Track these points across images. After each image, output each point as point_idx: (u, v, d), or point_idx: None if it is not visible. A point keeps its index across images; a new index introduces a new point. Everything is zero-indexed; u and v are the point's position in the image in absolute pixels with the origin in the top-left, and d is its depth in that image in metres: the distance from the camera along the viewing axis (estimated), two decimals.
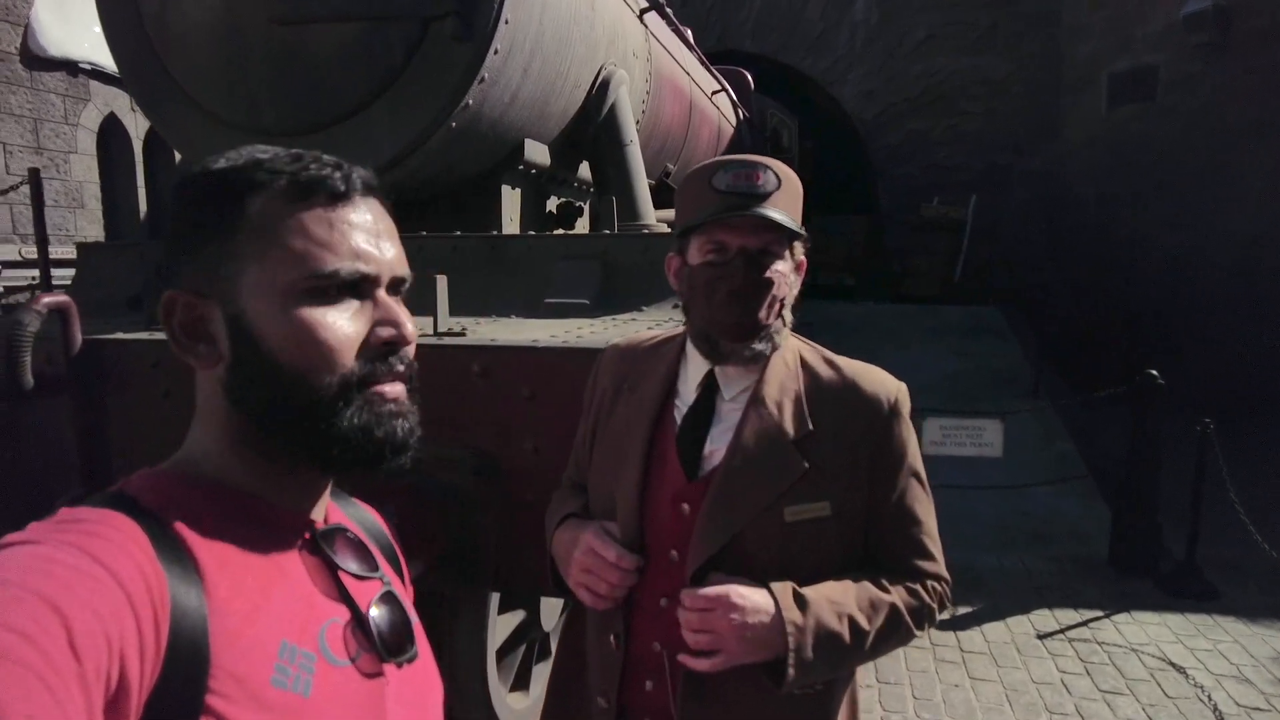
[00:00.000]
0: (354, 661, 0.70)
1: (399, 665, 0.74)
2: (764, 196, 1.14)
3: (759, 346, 1.19)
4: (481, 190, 3.19)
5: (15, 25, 9.43)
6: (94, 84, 9.68)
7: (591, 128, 3.54)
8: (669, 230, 3.47)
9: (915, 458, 1.25)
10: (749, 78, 9.18)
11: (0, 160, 9.19)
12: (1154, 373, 4.59)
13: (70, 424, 2.05)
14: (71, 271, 3.12)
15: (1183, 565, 4.43)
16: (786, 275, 1.19)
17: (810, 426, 1.19)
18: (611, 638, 1.25)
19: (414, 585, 1.74)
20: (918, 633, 1.22)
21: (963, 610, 4.15)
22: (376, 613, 0.73)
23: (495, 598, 2.28)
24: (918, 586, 1.21)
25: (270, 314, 0.67)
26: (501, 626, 2.41)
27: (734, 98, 7.67)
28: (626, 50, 3.84)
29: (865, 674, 3.47)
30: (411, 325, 0.73)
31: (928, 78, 12.75)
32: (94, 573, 0.55)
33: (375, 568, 0.78)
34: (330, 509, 0.80)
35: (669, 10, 5.11)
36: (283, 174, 0.68)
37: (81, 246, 3.19)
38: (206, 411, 0.72)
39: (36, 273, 3.34)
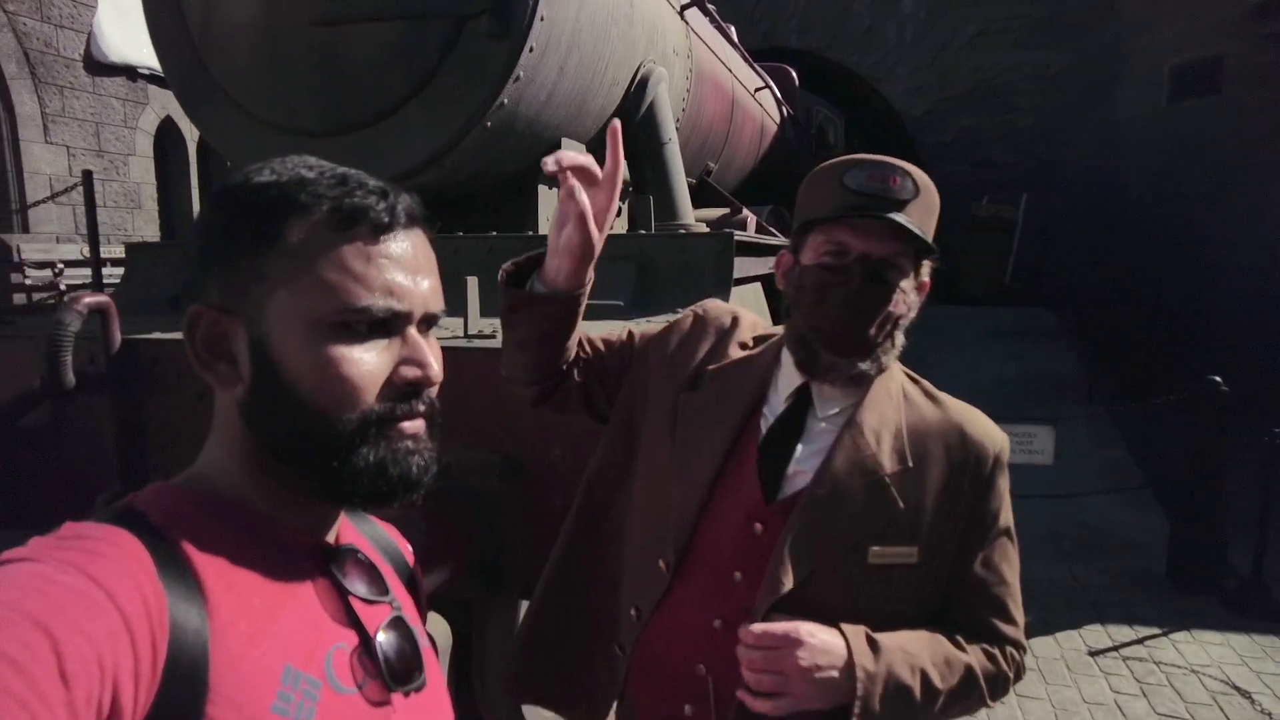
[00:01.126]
0: (360, 689, 0.68)
1: (406, 694, 0.72)
2: (898, 203, 1.05)
3: (863, 366, 1.11)
4: (518, 190, 3.17)
5: (80, 33, 9.79)
6: (152, 88, 10.01)
7: (630, 126, 3.50)
8: (707, 230, 3.42)
9: (1009, 514, 1.17)
10: (793, 74, 9.05)
11: (64, 162, 9.55)
12: (1217, 378, 4.38)
13: (110, 422, 2.08)
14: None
15: (1248, 582, 4.21)
16: (907, 293, 1.10)
17: (910, 464, 1.11)
18: (661, 562, 1.17)
19: (440, 591, 1.74)
20: (989, 700, 1.13)
21: None
22: (384, 639, 0.71)
23: (525, 603, 2.25)
24: (996, 651, 1.13)
25: (295, 343, 0.65)
26: None
27: (778, 95, 7.56)
28: (666, 47, 3.79)
29: None
30: (438, 365, 0.71)
31: (979, 73, 12.43)
32: (90, 594, 0.53)
33: (385, 591, 0.76)
34: (344, 527, 0.78)
35: (711, 7, 5.05)
36: (325, 199, 0.66)
37: (130, 246, 3.26)
38: (222, 429, 0.70)
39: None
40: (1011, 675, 1.15)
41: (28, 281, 7.33)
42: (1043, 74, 12.02)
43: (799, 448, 1.14)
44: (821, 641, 1.03)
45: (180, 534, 0.62)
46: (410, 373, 0.69)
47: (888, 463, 1.10)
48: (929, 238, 1.08)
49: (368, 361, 0.67)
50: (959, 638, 1.12)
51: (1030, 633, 3.92)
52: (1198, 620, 4.06)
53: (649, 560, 1.20)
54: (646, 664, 1.21)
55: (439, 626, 1.91)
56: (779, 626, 1.03)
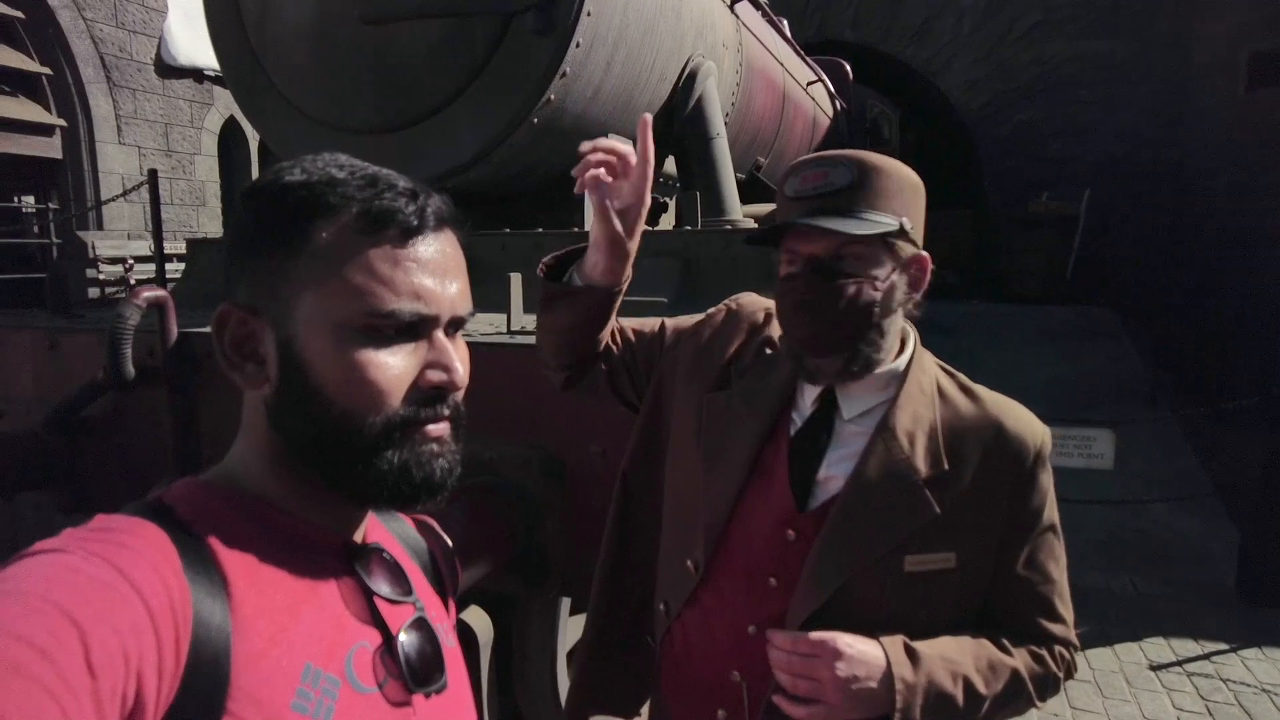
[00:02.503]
0: (381, 689, 0.68)
1: (427, 695, 0.71)
2: (833, 195, 1.04)
3: (843, 360, 1.07)
4: (565, 187, 3.16)
5: (151, 38, 10.17)
6: (217, 89, 10.35)
7: (678, 121, 3.47)
8: (755, 225, 3.38)
9: (1054, 510, 1.12)
10: (847, 68, 8.89)
11: (136, 161, 9.94)
12: None
13: (166, 413, 2.15)
14: None
15: None
16: (880, 278, 1.05)
17: (945, 466, 1.06)
18: (689, 563, 1.17)
19: (481, 585, 1.74)
20: (1039, 701, 1.10)
21: None
22: (406, 639, 0.71)
23: (567, 600, 2.25)
24: (1043, 652, 1.10)
25: (321, 346, 0.65)
26: (573, 629, 2.39)
27: (831, 88, 7.43)
28: (715, 41, 3.76)
29: None
30: (463, 369, 0.70)
31: (1040, 65, 12.04)
32: (117, 586, 0.53)
33: (409, 591, 0.76)
34: (372, 524, 0.78)
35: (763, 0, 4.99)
36: (354, 201, 0.66)
37: (190, 242, 3.37)
38: (249, 427, 0.71)
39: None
40: (1061, 675, 1.12)
41: (101, 276, 7.65)
42: (1107, 64, 11.58)
43: (829, 452, 1.11)
44: (859, 652, 1.00)
45: (206, 529, 0.63)
46: (436, 377, 0.68)
47: (922, 466, 1.06)
48: (890, 219, 1.03)
49: (393, 365, 0.66)
50: (1004, 640, 1.09)
51: (1087, 643, 3.78)
52: (1269, 636, 3.86)
53: (678, 559, 1.19)
54: (679, 667, 1.20)
55: (481, 621, 1.92)
56: (816, 635, 1.01)
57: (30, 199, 9.80)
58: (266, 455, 0.69)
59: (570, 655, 2.38)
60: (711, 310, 1.32)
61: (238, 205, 0.69)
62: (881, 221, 1.03)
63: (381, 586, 0.72)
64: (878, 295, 1.05)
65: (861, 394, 1.12)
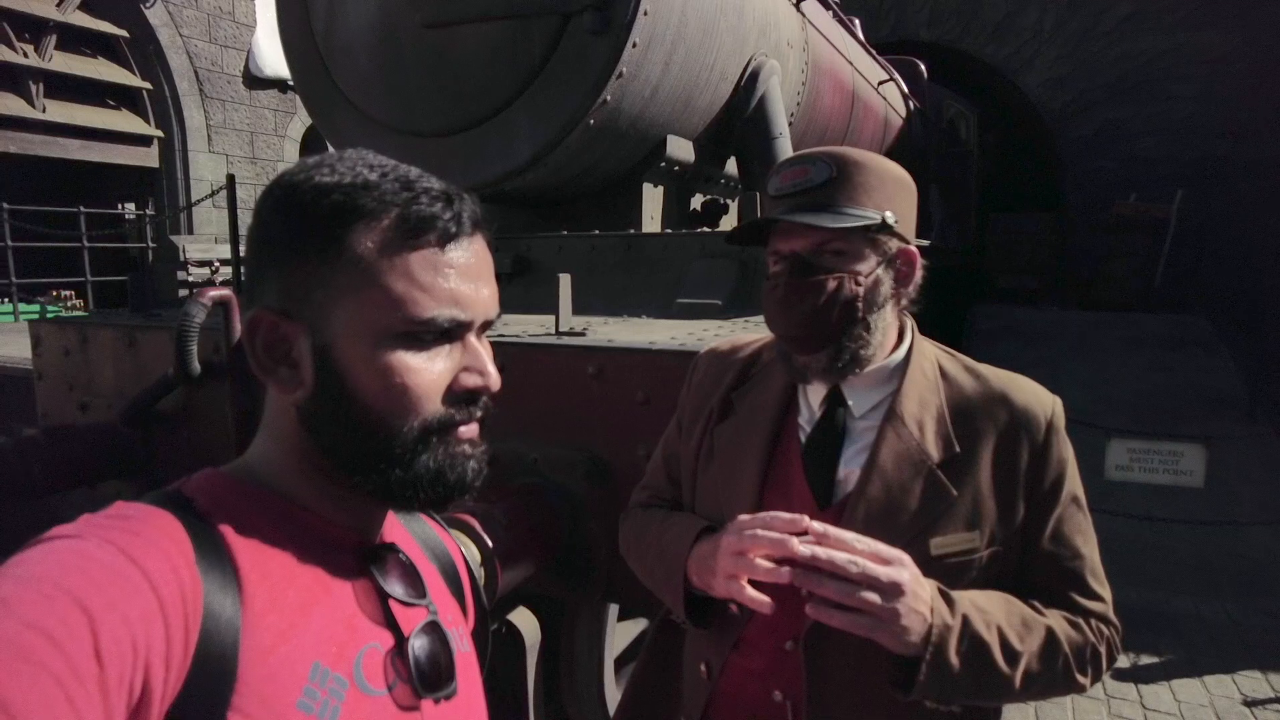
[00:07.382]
0: (389, 692, 0.66)
1: (436, 701, 0.70)
2: (813, 190, 1.05)
3: (829, 356, 1.07)
4: (623, 188, 3.16)
5: (241, 51, 10.67)
6: (299, 98, 10.78)
7: (739, 121, 3.42)
8: None
9: (1074, 480, 1.09)
10: (921, 67, 8.65)
11: (224, 169, 10.47)
12: None
13: (229, 408, 2.22)
14: None
15: None
16: (863, 272, 1.06)
17: (957, 448, 1.06)
18: (703, 666, 1.16)
19: (524, 587, 1.73)
20: (1080, 678, 1.04)
21: (1147, 659, 3.63)
22: (416, 643, 0.70)
23: (614, 606, 2.23)
24: (1080, 620, 1.05)
25: (360, 352, 0.65)
26: (621, 634, 2.36)
27: (904, 89, 7.23)
28: (780, 40, 3.69)
29: None
30: (496, 373, 0.71)
31: (1129, 60, 11.45)
32: (128, 574, 0.54)
33: (423, 593, 0.74)
34: (390, 523, 0.77)
35: None
36: (391, 206, 0.66)
37: None
38: (275, 426, 0.70)
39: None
40: (1104, 651, 1.06)
41: (190, 278, 8.07)
42: (1207, 56, 10.92)
43: (845, 449, 1.11)
44: (916, 578, 0.95)
45: (223, 522, 0.63)
46: (471, 380, 0.69)
47: (934, 450, 1.06)
48: (870, 213, 1.04)
49: (431, 370, 0.67)
50: (1036, 604, 1.05)
51: (1172, 672, 3.54)
52: None
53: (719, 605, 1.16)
54: (722, 697, 1.17)
55: (529, 623, 1.91)
56: (887, 549, 0.95)
57: (131, 205, 10.41)
58: (294, 454, 0.69)
59: (620, 661, 2.36)
60: (689, 374, 1.34)
61: (265, 206, 0.68)
62: (862, 215, 1.04)
63: (395, 588, 0.72)
64: (860, 290, 1.06)
65: (867, 389, 1.12)
